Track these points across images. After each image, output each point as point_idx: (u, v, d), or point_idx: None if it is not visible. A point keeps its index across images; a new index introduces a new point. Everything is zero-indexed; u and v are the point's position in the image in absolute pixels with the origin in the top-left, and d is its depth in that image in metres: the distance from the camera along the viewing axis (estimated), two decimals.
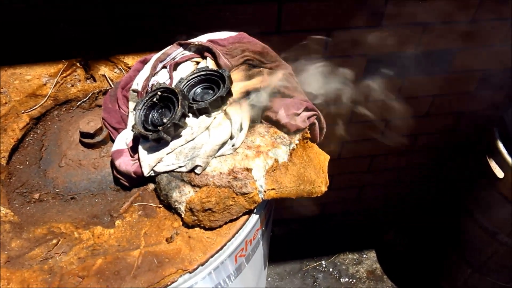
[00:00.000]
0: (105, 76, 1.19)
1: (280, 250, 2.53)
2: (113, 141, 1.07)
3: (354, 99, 1.85)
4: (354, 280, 2.46)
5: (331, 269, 2.51)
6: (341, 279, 2.47)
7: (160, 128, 0.91)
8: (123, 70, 1.19)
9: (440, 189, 2.36)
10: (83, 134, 1.04)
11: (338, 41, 1.63)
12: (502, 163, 1.80)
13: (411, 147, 2.22)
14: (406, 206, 2.59)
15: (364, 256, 2.58)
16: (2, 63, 1.15)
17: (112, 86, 1.18)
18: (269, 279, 2.47)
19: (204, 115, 0.97)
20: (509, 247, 1.93)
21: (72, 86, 1.17)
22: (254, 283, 1.37)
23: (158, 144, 0.94)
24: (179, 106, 0.92)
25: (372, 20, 1.58)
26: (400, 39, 1.66)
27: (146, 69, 1.07)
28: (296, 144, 1.02)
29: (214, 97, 0.96)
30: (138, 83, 1.06)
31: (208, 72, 1.01)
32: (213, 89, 1.01)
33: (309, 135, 1.07)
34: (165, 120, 0.94)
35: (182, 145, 0.94)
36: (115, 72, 1.20)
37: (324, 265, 2.53)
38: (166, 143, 0.94)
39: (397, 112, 1.94)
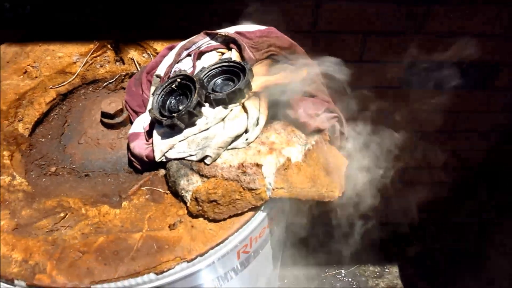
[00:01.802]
0: (133, 59, 1.21)
1: (300, 254, 2.49)
2: (132, 123, 1.08)
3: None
4: None
5: (350, 279, 2.45)
6: None
7: (175, 115, 0.91)
8: (151, 55, 1.21)
9: (467, 212, 2.26)
10: (104, 114, 1.06)
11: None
12: None
13: (444, 164, 2.12)
14: (432, 225, 2.49)
15: (386, 270, 2.50)
16: (37, 39, 1.19)
17: (139, 70, 1.19)
18: (285, 280, 2.44)
19: (220, 106, 0.96)
20: None
21: (101, 66, 1.19)
22: (262, 283, 1.35)
23: (172, 130, 0.94)
24: (195, 95, 0.91)
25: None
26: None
27: (171, 56, 1.08)
28: (313, 145, 0.99)
29: (232, 89, 0.95)
30: (161, 69, 1.06)
31: (230, 64, 1.00)
32: (234, 81, 0.99)
33: (327, 137, 1.04)
34: (181, 108, 0.94)
35: (195, 134, 0.94)
36: (143, 57, 1.21)
37: (343, 274, 2.48)
38: (179, 131, 0.94)
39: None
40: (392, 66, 1.66)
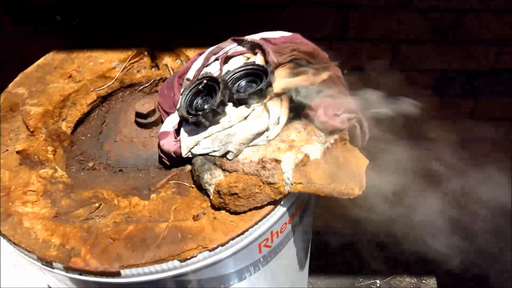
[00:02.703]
0: (167, 65, 1.29)
1: (334, 262, 2.49)
2: (162, 123, 1.16)
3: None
4: None
5: None
6: None
7: (200, 113, 0.98)
8: (183, 62, 1.29)
9: None
10: (138, 114, 1.14)
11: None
12: None
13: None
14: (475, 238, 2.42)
15: (424, 281, 2.45)
16: (82, 46, 1.30)
17: (172, 74, 1.27)
18: None
19: (243, 106, 1.01)
20: None
21: (138, 72, 1.28)
22: (289, 282, 1.38)
23: (197, 128, 1.01)
24: (219, 94, 0.98)
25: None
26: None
27: (200, 60, 1.15)
28: (332, 144, 1.03)
29: (255, 89, 1.00)
30: (191, 72, 1.14)
31: (254, 67, 1.06)
32: (257, 83, 1.05)
33: (347, 137, 1.07)
34: (206, 107, 1.00)
35: (219, 131, 1.00)
36: (176, 63, 1.30)
37: (378, 285, 2.44)
38: (204, 128, 1.00)
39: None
40: None
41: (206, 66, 1.13)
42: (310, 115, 1.04)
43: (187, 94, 1.04)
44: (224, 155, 0.98)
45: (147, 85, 1.27)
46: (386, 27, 1.54)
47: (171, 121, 1.10)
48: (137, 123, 1.16)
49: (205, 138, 1.00)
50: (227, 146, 0.97)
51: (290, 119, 1.05)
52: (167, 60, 1.30)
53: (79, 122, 1.19)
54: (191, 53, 1.29)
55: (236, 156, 0.97)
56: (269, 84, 1.01)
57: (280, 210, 1.01)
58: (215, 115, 0.99)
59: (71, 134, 1.16)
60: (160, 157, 1.09)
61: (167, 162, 1.07)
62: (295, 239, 1.19)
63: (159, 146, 1.08)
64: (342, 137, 1.06)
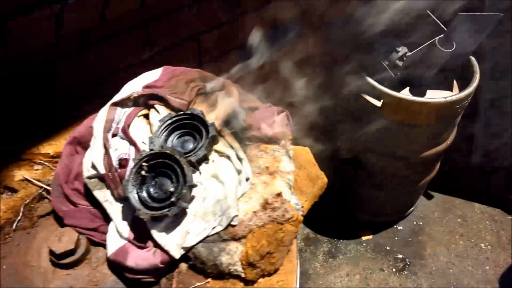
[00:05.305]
0: (26, 179, 0.93)
1: None
2: (95, 244, 0.86)
3: None
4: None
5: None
6: None
7: (173, 199, 0.77)
8: (46, 164, 0.95)
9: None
10: (61, 256, 0.81)
11: None
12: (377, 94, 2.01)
13: None
14: None
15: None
16: None
17: (43, 186, 0.93)
18: None
19: (203, 164, 0.85)
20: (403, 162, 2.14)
21: None
22: None
23: (174, 218, 0.79)
24: (185, 166, 0.78)
25: None
26: None
27: (97, 147, 0.87)
28: (292, 149, 0.98)
29: (207, 140, 0.85)
30: (96, 166, 0.85)
31: (176, 119, 0.88)
32: (190, 134, 0.89)
33: (291, 136, 1.03)
34: (171, 189, 0.79)
35: (201, 204, 0.81)
36: (36, 170, 0.95)
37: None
38: (183, 212, 0.79)
39: None
40: None
41: (110, 149, 0.87)
42: (255, 135, 0.95)
43: (132, 191, 0.79)
44: (228, 225, 0.81)
45: (19, 218, 0.89)
46: None
47: (115, 233, 0.82)
48: (62, 266, 0.82)
49: (192, 221, 0.80)
50: (229, 212, 0.80)
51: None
52: (21, 173, 0.93)
53: None
54: (50, 148, 0.96)
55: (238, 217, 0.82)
56: (214, 127, 0.86)
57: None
58: (191, 191, 0.79)
59: None
60: (133, 280, 0.81)
61: (152, 279, 0.81)
62: None
63: (125, 269, 0.80)
64: (289, 138, 1.01)
